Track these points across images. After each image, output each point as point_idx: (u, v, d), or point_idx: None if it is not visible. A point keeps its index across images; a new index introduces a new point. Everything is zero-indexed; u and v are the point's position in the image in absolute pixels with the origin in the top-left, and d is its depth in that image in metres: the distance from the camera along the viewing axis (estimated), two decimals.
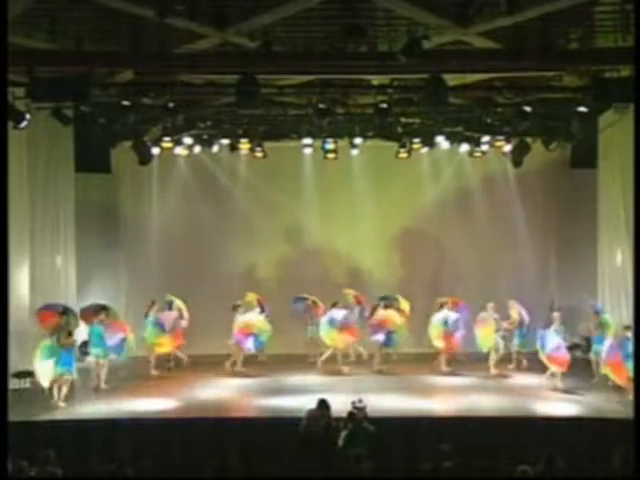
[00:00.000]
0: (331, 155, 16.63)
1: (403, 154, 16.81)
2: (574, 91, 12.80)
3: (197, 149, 17.29)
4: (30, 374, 13.82)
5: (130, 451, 9.73)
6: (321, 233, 18.69)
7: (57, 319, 13.49)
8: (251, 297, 16.49)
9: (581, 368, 14.68)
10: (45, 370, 12.53)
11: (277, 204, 18.49)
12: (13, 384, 13.41)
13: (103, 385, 14.20)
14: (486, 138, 16.52)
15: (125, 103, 12.72)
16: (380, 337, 15.49)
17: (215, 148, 17.41)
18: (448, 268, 18.38)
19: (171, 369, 15.93)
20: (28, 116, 11.98)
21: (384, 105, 13.17)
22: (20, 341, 13.43)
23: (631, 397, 12.37)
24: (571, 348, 14.46)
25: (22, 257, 14.50)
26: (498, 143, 16.46)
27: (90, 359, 14.74)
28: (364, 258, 18.78)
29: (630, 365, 12.30)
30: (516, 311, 15.58)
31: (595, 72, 11.60)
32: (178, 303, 15.96)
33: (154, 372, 15.51)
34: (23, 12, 10.43)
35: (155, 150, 16.41)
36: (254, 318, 15.56)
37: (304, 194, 18.53)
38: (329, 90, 13.37)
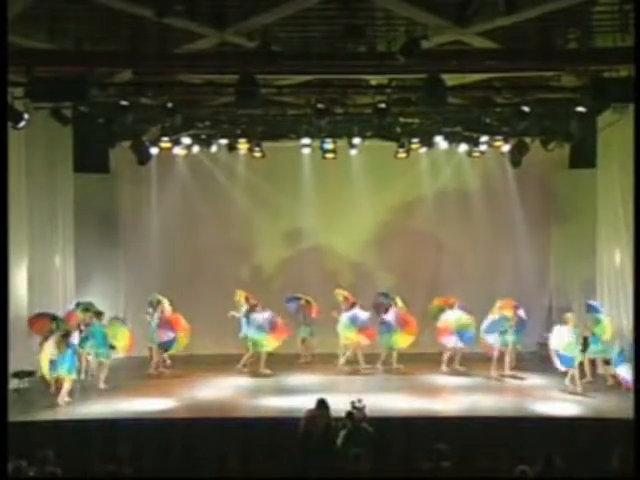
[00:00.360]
0: (330, 155, 16.63)
1: (402, 154, 16.81)
2: (573, 91, 12.80)
3: (196, 149, 17.28)
4: (30, 374, 13.85)
5: (130, 451, 9.72)
6: (320, 233, 18.69)
7: (48, 325, 13.53)
8: (239, 295, 16.51)
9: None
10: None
11: (276, 204, 18.49)
12: (12, 384, 13.39)
13: (102, 385, 14.19)
14: (485, 138, 16.53)
15: (124, 103, 12.69)
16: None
17: (214, 148, 17.40)
18: (447, 268, 18.37)
19: (167, 368, 15.91)
20: (26, 116, 11.95)
21: (383, 105, 13.17)
22: (19, 341, 13.41)
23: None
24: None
25: (21, 257, 14.49)
26: (497, 143, 16.46)
27: (91, 359, 14.73)
28: (362, 258, 18.79)
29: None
30: (511, 309, 15.49)
31: (594, 72, 11.60)
32: (163, 302, 15.92)
33: (154, 371, 15.53)
34: (22, 12, 10.41)
35: (154, 150, 16.41)
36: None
37: (303, 194, 18.52)
38: (328, 90, 13.36)
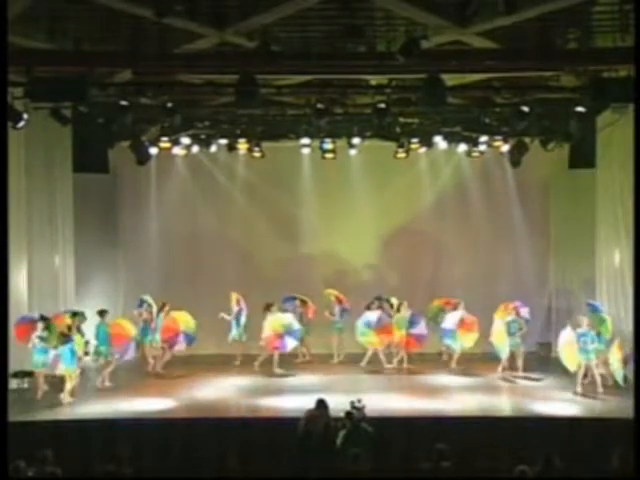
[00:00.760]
0: (329, 155, 16.65)
1: (401, 154, 16.82)
2: (572, 91, 12.79)
3: (195, 149, 17.27)
4: (30, 374, 13.84)
5: (130, 451, 9.73)
6: (319, 233, 18.67)
7: (31, 329, 13.45)
8: (233, 296, 16.55)
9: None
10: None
11: (275, 204, 18.48)
12: (12, 384, 13.39)
13: (107, 383, 14.25)
14: (484, 138, 16.53)
15: (123, 103, 12.69)
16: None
17: (213, 148, 17.41)
18: (446, 268, 18.37)
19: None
20: (26, 116, 11.94)
21: (382, 105, 13.17)
22: None
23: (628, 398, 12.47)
24: None
25: (20, 257, 14.48)
26: (496, 143, 16.47)
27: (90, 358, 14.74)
28: (362, 258, 18.79)
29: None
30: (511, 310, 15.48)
31: (593, 72, 11.60)
32: (151, 303, 15.93)
33: (161, 371, 15.57)
34: (22, 12, 10.41)
35: (153, 150, 16.41)
36: (285, 318, 15.66)
37: (302, 194, 18.53)
38: (327, 90, 13.35)
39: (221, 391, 14.29)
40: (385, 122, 14.70)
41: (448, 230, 18.54)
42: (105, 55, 11.79)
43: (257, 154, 17.08)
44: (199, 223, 18.43)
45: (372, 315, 15.78)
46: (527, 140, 15.85)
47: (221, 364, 16.29)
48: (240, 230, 18.53)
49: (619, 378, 13.08)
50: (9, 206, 10.95)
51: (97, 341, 14.38)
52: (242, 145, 16.73)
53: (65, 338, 13.17)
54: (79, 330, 14.06)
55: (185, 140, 16.58)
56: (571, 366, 13.61)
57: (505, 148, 16.52)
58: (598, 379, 13.49)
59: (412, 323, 15.66)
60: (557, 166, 17.87)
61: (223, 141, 16.91)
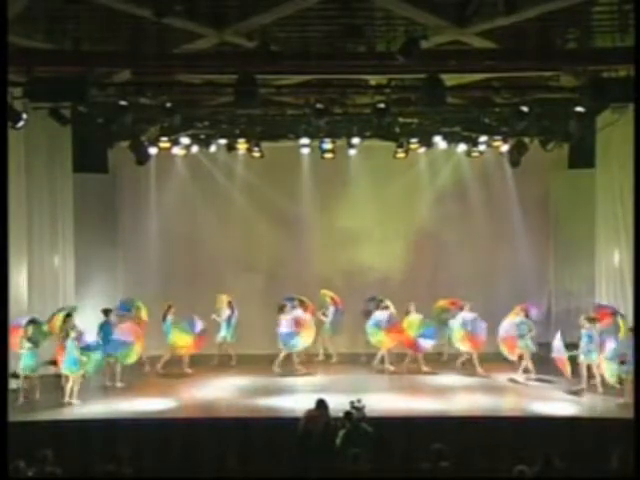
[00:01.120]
0: (329, 155, 16.66)
1: (401, 154, 16.83)
2: (572, 91, 12.78)
3: (194, 149, 17.27)
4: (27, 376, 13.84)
5: (130, 451, 9.73)
6: (318, 232, 18.68)
7: (21, 333, 13.39)
8: (221, 299, 16.62)
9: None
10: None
11: (274, 204, 18.46)
12: (12, 384, 13.37)
13: (119, 384, 14.33)
14: (484, 138, 16.54)
15: (123, 103, 12.68)
16: None
17: (212, 148, 17.41)
18: (446, 268, 18.34)
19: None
20: (25, 116, 11.93)
21: (382, 105, 13.17)
22: None
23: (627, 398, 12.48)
24: (567, 347, 14.37)
25: (20, 257, 14.49)
26: (496, 143, 16.48)
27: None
28: (361, 258, 18.76)
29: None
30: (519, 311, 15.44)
31: (593, 72, 11.59)
32: (140, 306, 15.93)
33: (161, 370, 15.60)
34: (22, 12, 10.40)
35: (152, 150, 16.40)
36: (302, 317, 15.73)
37: (301, 194, 18.53)
38: (327, 90, 13.36)
39: (221, 391, 14.31)
40: (384, 122, 14.72)
41: (448, 230, 18.51)
42: (105, 55, 11.78)
43: (256, 154, 17.09)
44: (198, 223, 18.42)
45: (382, 315, 15.75)
46: (527, 140, 15.84)
47: (221, 364, 16.31)
48: (239, 230, 18.52)
49: (612, 378, 13.05)
50: (9, 206, 10.93)
51: (101, 340, 14.37)
52: (241, 145, 16.74)
53: (66, 337, 13.23)
54: (68, 326, 14.09)
55: (185, 140, 16.58)
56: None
57: (505, 148, 16.52)
58: (598, 379, 13.54)
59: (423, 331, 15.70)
60: (556, 166, 17.88)
61: (222, 141, 16.91)
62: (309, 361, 16.49)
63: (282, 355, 15.66)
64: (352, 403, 10.52)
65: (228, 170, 18.44)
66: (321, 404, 10.64)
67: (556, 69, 12.43)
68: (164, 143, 16.16)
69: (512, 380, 14.82)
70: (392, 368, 15.72)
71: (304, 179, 18.46)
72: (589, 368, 13.74)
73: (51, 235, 16.12)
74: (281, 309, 15.88)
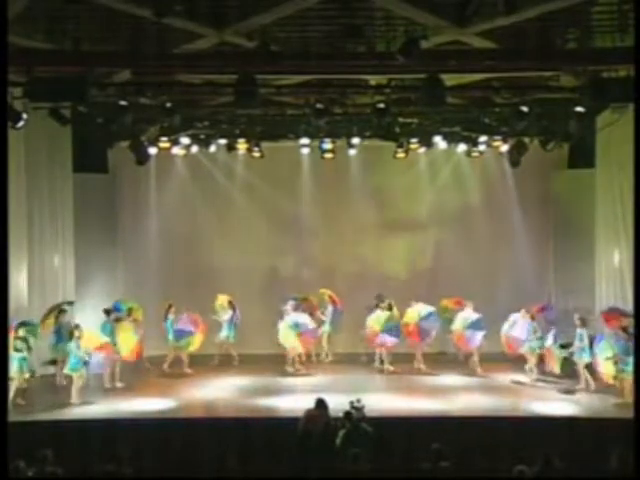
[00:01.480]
0: (328, 155, 16.66)
1: (401, 154, 16.84)
2: (571, 91, 12.78)
3: (194, 149, 17.28)
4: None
5: (130, 451, 9.74)
6: (318, 232, 18.69)
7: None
8: (222, 299, 16.60)
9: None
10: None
11: (274, 204, 18.48)
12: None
13: (119, 384, 14.31)
14: (483, 138, 16.55)
15: (123, 103, 12.68)
16: None
17: (212, 148, 17.42)
18: (446, 268, 18.36)
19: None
20: (25, 116, 11.93)
21: (382, 105, 13.17)
22: None
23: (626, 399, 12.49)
24: (564, 347, 14.38)
25: (21, 257, 14.50)
26: (495, 143, 16.49)
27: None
28: (361, 258, 18.78)
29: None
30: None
31: (593, 72, 11.59)
32: (131, 307, 15.87)
33: (167, 370, 15.63)
34: (21, 12, 10.40)
35: (152, 150, 16.40)
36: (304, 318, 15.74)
37: (301, 194, 18.54)
38: (327, 90, 13.37)
39: (221, 391, 14.31)
40: (384, 122, 14.72)
41: (447, 230, 18.55)
42: (105, 55, 11.77)
43: (256, 154, 17.10)
44: (198, 223, 18.45)
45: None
46: (526, 140, 15.84)
47: (221, 364, 16.31)
48: (239, 230, 18.53)
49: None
50: (9, 206, 10.93)
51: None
52: (241, 145, 16.75)
53: (70, 337, 13.25)
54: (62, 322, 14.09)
55: (184, 140, 16.58)
56: None
57: (504, 148, 16.53)
58: (588, 377, 13.71)
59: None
60: (556, 166, 17.89)
61: (222, 141, 16.92)
62: (308, 361, 16.51)
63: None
64: (352, 403, 10.52)
65: (228, 170, 18.46)
66: (321, 404, 10.65)
67: (556, 69, 12.43)
68: (164, 143, 16.17)
69: (514, 381, 14.83)
70: (392, 368, 15.73)
71: (304, 179, 18.47)
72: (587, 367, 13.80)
73: (51, 235, 16.14)
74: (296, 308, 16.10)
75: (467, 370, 15.62)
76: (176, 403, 13.28)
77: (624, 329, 13.15)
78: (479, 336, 15.44)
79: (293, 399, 13.06)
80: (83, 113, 13.67)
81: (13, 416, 10.40)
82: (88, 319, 15.11)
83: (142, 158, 16.22)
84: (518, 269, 18.19)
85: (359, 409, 10.44)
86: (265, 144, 17.05)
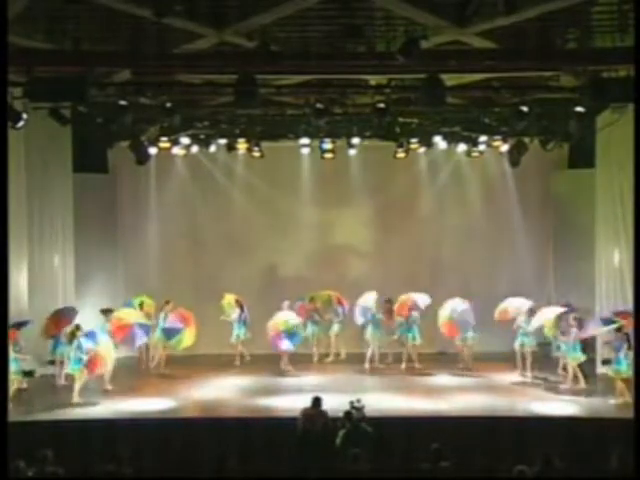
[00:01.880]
0: (329, 155, 16.66)
1: (401, 154, 16.83)
2: (571, 91, 12.78)
3: (194, 149, 17.28)
4: (30, 374, 13.81)
5: (130, 451, 9.74)
6: (318, 232, 18.69)
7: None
8: (229, 298, 16.58)
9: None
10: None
11: (274, 204, 18.49)
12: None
13: (109, 387, 14.20)
14: (484, 138, 16.54)
15: (123, 103, 12.68)
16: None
17: (212, 148, 17.42)
18: (446, 267, 18.37)
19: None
20: (25, 116, 11.93)
21: (382, 105, 13.17)
22: None
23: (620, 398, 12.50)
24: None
25: (20, 257, 14.50)
26: (495, 143, 16.49)
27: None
28: (361, 257, 18.80)
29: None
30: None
31: (593, 72, 11.59)
32: (144, 300, 16.01)
33: (164, 371, 15.64)
34: (21, 12, 10.40)
35: (152, 150, 16.41)
36: (283, 317, 15.70)
37: (301, 194, 18.54)
38: (327, 90, 13.36)
39: (221, 391, 14.30)
40: (385, 122, 14.74)
41: (448, 229, 18.55)
42: (105, 55, 11.76)
43: (256, 154, 17.09)
44: (198, 223, 18.46)
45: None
46: (526, 140, 15.84)
47: (221, 364, 16.31)
48: (239, 230, 18.53)
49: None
50: (9, 206, 10.92)
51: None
52: (241, 145, 16.75)
53: (72, 338, 13.23)
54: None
55: (184, 140, 16.58)
56: None
57: (504, 148, 16.53)
58: (570, 373, 13.93)
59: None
60: (556, 166, 17.90)
61: (222, 141, 16.92)
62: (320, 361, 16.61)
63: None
64: (352, 403, 10.52)
65: (228, 170, 18.46)
66: (318, 402, 10.67)
67: (556, 69, 12.43)
68: (164, 143, 16.17)
69: (513, 381, 14.85)
70: (381, 366, 15.87)
71: (304, 179, 18.47)
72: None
73: (51, 235, 16.13)
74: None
75: (461, 365, 15.70)
76: (176, 403, 13.27)
77: (619, 329, 13.15)
78: (469, 324, 15.57)
79: (293, 399, 13.05)
80: (83, 113, 13.67)
81: (13, 416, 10.37)
82: (88, 319, 15.09)
83: (142, 158, 16.23)
84: (518, 269, 18.19)
85: (359, 409, 10.44)
86: (265, 144, 17.04)
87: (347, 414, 10.32)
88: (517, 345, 15.18)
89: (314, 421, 10.43)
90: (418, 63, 11.06)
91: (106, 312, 15.02)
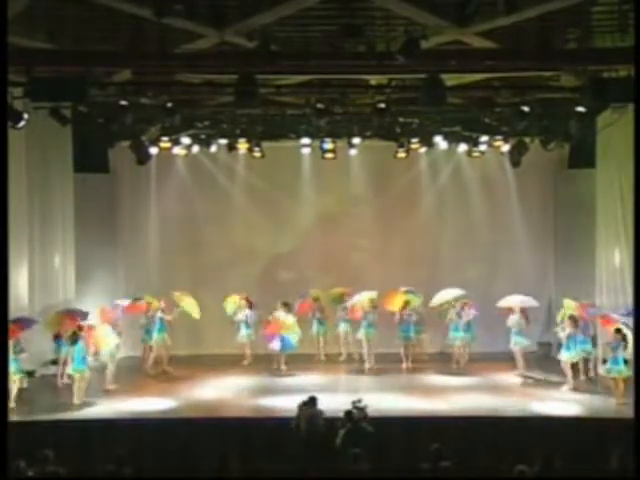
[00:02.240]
0: (329, 155, 16.64)
1: (401, 154, 16.84)
2: (572, 91, 12.78)
3: (195, 149, 17.29)
4: (30, 374, 13.83)
5: (130, 451, 9.74)
6: (319, 232, 18.68)
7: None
8: (234, 298, 16.63)
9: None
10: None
11: (275, 203, 18.50)
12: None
13: (111, 386, 14.23)
14: (484, 138, 16.55)
15: (123, 103, 12.69)
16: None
17: (213, 148, 17.42)
18: (446, 267, 18.36)
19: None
20: (26, 116, 11.94)
21: (382, 105, 13.16)
22: None
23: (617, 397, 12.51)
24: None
25: (21, 257, 14.51)
26: (496, 143, 16.49)
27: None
28: (362, 257, 18.78)
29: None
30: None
31: (593, 72, 11.59)
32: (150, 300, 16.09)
33: (151, 371, 15.59)
34: (21, 12, 10.41)
35: (153, 150, 16.41)
36: (283, 318, 15.73)
37: (302, 194, 18.55)
38: (327, 90, 13.34)
39: (221, 391, 14.31)
40: (385, 122, 14.71)
41: (448, 229, 18.56)
42: (105, 55, 11.76)
43: (257, 154, 17.10)
44: (199, 223, 18.46)
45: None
46: (527, 140, 15.84)
47: (221, 364, 16.32)
48: (240, 229, 18.54)
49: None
50: (9, 206, 10.93)
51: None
52: (242, 145, 16.75)
53: (74, 338, 13.24)
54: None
55: (185, 140, 16.58)
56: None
57: (505, 148, 16.53)
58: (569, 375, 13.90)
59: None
60: (557, 166, 17.90)
61: (223, 141, 16.92)
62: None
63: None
64: (354, 403, 10.53)
65: (229, 170, 18.46)
66: (313, 401, 10.69)
67: (556, 69, 12.43)
68: (164, 143, 16.17)
69: (513, 381, 14.85)
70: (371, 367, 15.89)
71: (305, 179, 18.47)
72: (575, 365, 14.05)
73: (52, 235, 16.15)
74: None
75: (455, 366, 15.78)
76: (176, 403, 13.28)
77: (617, 330, 13.15)
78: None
79: (294, 399, 13.03)
80: (83, 113, 13.68)
81: (13, 416, 10.38)
82: (88, 318, 15.07)
83: (143, 158, 16.24)
84: (519, 268, 18.20)
85: (361, 409, 10.45)
86: (266, 144, 17.04)
87: (348, 413, 10.33)
88: (512, 345, 15.18)
89: (313, 421, 10.43)
90: (418, 63, 11.07)
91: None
